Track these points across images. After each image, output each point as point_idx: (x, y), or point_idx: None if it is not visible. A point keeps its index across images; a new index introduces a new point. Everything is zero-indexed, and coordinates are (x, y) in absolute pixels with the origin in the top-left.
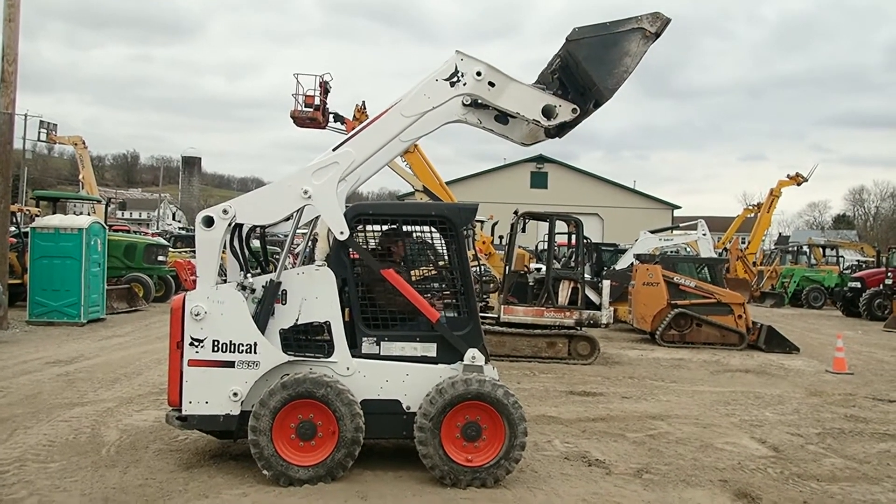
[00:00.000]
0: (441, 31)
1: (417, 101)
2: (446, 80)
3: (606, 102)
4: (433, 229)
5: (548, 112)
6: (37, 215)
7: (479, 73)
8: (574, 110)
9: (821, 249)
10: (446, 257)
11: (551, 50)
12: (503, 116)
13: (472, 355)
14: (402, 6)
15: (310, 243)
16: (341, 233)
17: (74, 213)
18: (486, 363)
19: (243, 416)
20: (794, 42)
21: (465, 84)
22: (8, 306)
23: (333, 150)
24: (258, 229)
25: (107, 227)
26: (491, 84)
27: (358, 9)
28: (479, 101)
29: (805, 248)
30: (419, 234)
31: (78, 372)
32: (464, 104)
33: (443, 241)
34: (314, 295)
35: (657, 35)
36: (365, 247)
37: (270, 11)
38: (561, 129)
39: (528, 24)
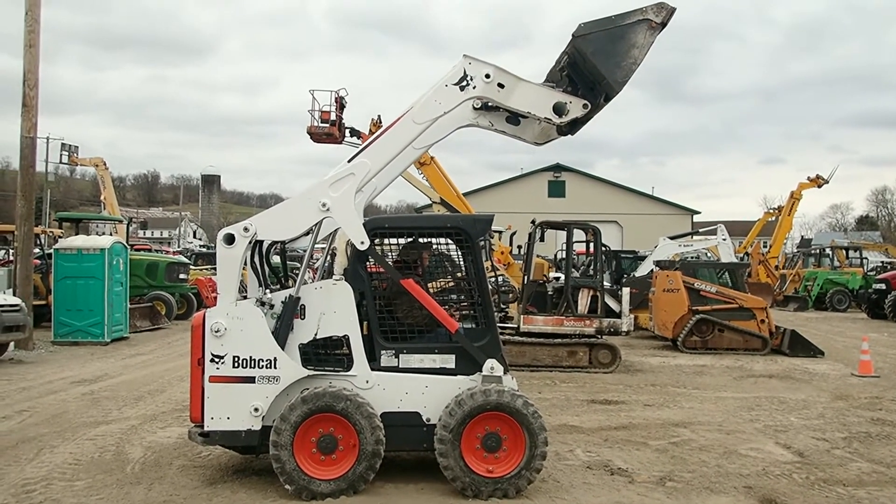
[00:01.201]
0: (453, 43)
1: (429, 108)
2: (456, 84)
3: (616, 95)
4: (449, 241)
5: (559, 109)
6: (60, 237)
7: (487, 76)
8: (585, 105)
9: (844, 251)
10: (463, 268)
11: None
12: (514, 117)
13: (491, 366)
14: (414, 19)
15: (328, 258)
16: (362, 242)
17: (97, 234)
18: (504, 373)
19: (265, 431)
20: (807, 44)
21: (474, 87)
22: (33, 327)
23: (349, 161)
24: (278, 245)
25: (128, 247)
26: (500, 86)
27: (369, 23)
28: (490, 104)
29: (828, 251)
30: (436, 245)
31: (102, 391)
32: (474, 108)
33: (459, 253)
34: (332, 309)
35: (663, 25)
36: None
37: (282, 28)
38: (573, 126)
39: (539, 33)
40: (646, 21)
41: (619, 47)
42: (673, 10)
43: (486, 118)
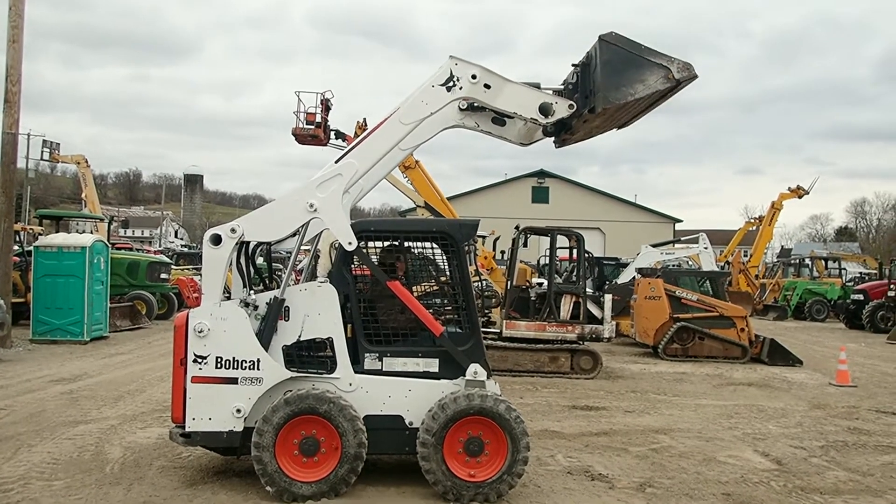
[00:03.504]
0: (435, 48)
1: (415, 108)
2: (442, 85)
3: (599, 117)
4: (434, 245)
5: (545, 110)
6: (40, 234)
7: (474, 77)
8: (570, 106)
9: (823, 262)
10: (448, 273)
11: (544, 65)
12: (500, 118)
13: (474, 370)
14: (396, 24)
15: (312, 260)
16: (350, 243)
17: (77, 232)
18: (488, 378)
19: (247, 432)
20: (784, 57)
21: (461, 88)
22: (11, 325)
23: (336, 162)
24: (263, 246)
25: (109, 246)
26: (487, 86)
27: (352, 27)
28: (476, 105)
29: (807, 261)
30: (420, 250)
31: (81, 390)
32: (460, 108)
33: (444, 257)
34: (316, 311)
35: (678, 83)
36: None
37: (265, 31)
38: (559, 131)
39: (521, 41)
40: (666, 69)
41: (629, 73)
42: (694, 77)
43: (472, 119)
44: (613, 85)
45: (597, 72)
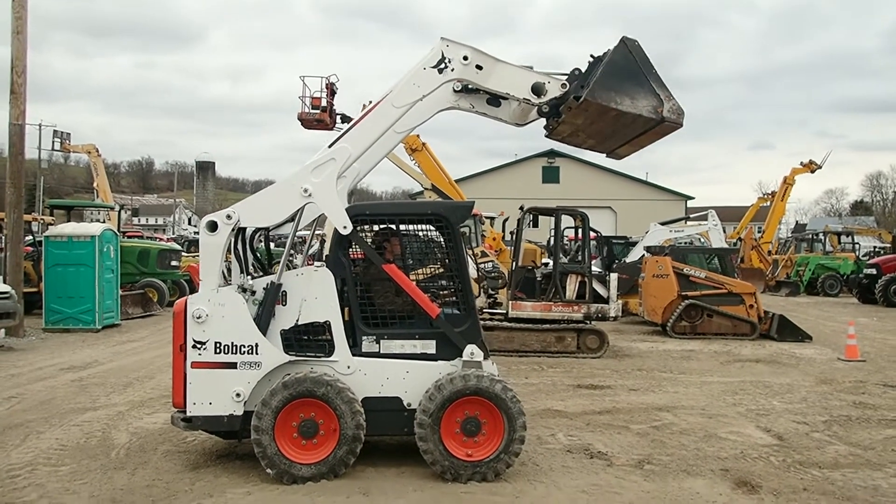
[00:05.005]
0: (439, 31)
1: (407, 91)
2: (434, 67)
3: (580, 109)
4: (430, 227)
5: (537, 89)
6: (51, 224)
7: (465, 58)
8: (563, 86)
9: (837, 236)
10: (444, 254)
11: (548, 46)
12: (495, 99)
13: (471, 351)
14: (400, 8)
15: (318, 244)
16: (345, 227)
17: (90, 221)
18: (485, 359)
19: (247, 416)
20: (790, 30)
21: (452, 70)
22: (24, 314)
23: (329, 146)
24: (262, 231)
25: (119, 234)
26: (478, 67)
27: (356, 12)
28: (470, 86)
29: (821, 236)
30: (415, 232)
31: (91, 377)
32: (454, 90)
33: (441, 239)
34: (314, 295)
35: (661, 120)
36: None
37: (270, 17)
38: (552, 114)
39: (524, 22)
40: (658, 101)
41: (624, 84)
42: (677, 126)
43: (466, 100)
44: (604, 86)
45: (599, 66)
